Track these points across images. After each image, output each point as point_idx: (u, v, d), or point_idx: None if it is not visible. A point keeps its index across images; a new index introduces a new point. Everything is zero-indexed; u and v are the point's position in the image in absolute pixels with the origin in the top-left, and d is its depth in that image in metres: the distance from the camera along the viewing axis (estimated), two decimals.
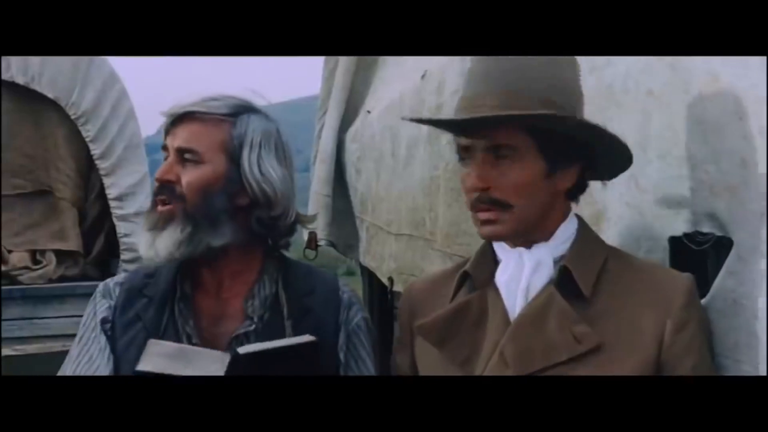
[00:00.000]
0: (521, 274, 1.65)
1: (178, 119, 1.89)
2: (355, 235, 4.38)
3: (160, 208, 1.87)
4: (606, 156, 1.67)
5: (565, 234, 1.67)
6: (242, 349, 1.68)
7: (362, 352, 1.94)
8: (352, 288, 2.03)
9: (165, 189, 1.86)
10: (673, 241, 1.74)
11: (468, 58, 1.74)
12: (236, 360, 1.66)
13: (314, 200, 4.42)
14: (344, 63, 4.41)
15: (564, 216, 1.69)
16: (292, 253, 2.08)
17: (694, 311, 1.57)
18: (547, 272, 1.65)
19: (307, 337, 1.77)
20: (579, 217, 1.73)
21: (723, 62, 1.57)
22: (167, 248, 1.85)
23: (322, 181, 4.41)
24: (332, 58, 4.54)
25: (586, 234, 1.70)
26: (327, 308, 1.92)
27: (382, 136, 3.75)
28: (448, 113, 2.86)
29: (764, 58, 1.48)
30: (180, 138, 1.87)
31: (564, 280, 1.62)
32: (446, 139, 2.81)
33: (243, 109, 1.92)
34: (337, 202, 4.45)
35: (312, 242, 4.42)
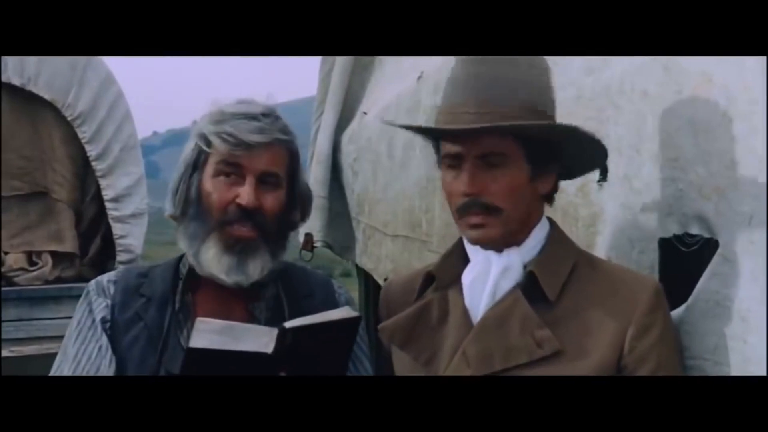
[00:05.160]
0: (487, 277, 1.67)
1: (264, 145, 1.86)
2: (351, 237, 4.38)
3: (240, 232, 1.85)
4: (579, 155, 1.70)
5: (536, 238, 1.70)
6: (289, 323, 1.70)
7: (358, 352, 1.97)
8: (346, 289, 2.06)
9: (250, 216, 1.84)
10: (663, 243, 1.74)
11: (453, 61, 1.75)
12: (283, 334, 1.68)
13: None
14: (341, 64, 4.40)
15: (539, 219, 1.72)
16: (287, 255, 2.08)
17: (659, 318, 1.58)
18: (514, 276, 1.67)
19: (349, 311, 1.80)
20: (551, 221, 1.75)
21: (717, 63, 1.57)
22: (258, 274, 1.86)
23: (318, 182, 4.40)
24: (329, 59, 4.53)
25: (557, 238, 1.72)
26: (326, 310, 1.93)
27: (379, 138, 3.75)
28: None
29: (759, 58, 1.48)
30: (264, 161, 1.85)
31: (530, 284, 1.65)
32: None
33: (291, 133, 1.94)
34: (334, 203, 4.45)
35: (308, 244, 4.41)
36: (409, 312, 1.77)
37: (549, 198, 1.73)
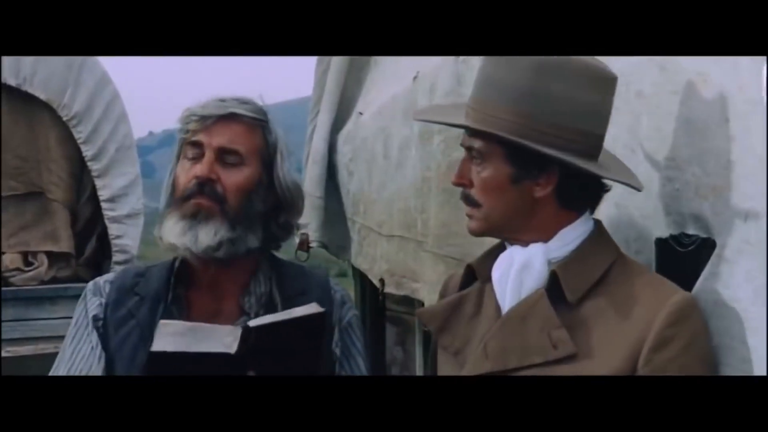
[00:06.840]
0: (510, 271, 1.68)
1: (218, 118, 1.89)
2: (347, 237, 4.38)
3: (197, 202, 1.87)
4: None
5: (568, 237, 1.68)
6: (253, 322, 1.71)
7: (353, 350, 1.99)
8: (343, 287, 2.06)
9: (206, 188, 1.87)
10: (660, 242, 1.74)
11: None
12: (247, 332, 1.68)
13: (306, 202, 4.40)
14: (337, 64, 4.40)
15: (562, 221, 1.69)
16: (284, 254, 2.09)
17: (683, 332, 1.54)
18: (537, 272, 1.66)
19: (314, 308, 1.80)
20: (597, 223, 1.73)
21: (713, 63, 1.57)
22: (208, 242, 1.86)
23: (314, 182, 4.40)
24: (325, 59, 4.53)
25: (595, 240, 1.70)
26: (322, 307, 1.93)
27: (375, 138, 3.75)
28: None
29: (755, 58, 1.48)
30: (222, 137, 1.88)
31: (554, 284, 1.64)
32: (438, 139, 2.82)
33: (268, 115, 1.97)
34: (329, 203, 4.44)
35: (304, 244, 4.41)
36: (446, 301, 1.81)
37: (564, 202, 1.68)
